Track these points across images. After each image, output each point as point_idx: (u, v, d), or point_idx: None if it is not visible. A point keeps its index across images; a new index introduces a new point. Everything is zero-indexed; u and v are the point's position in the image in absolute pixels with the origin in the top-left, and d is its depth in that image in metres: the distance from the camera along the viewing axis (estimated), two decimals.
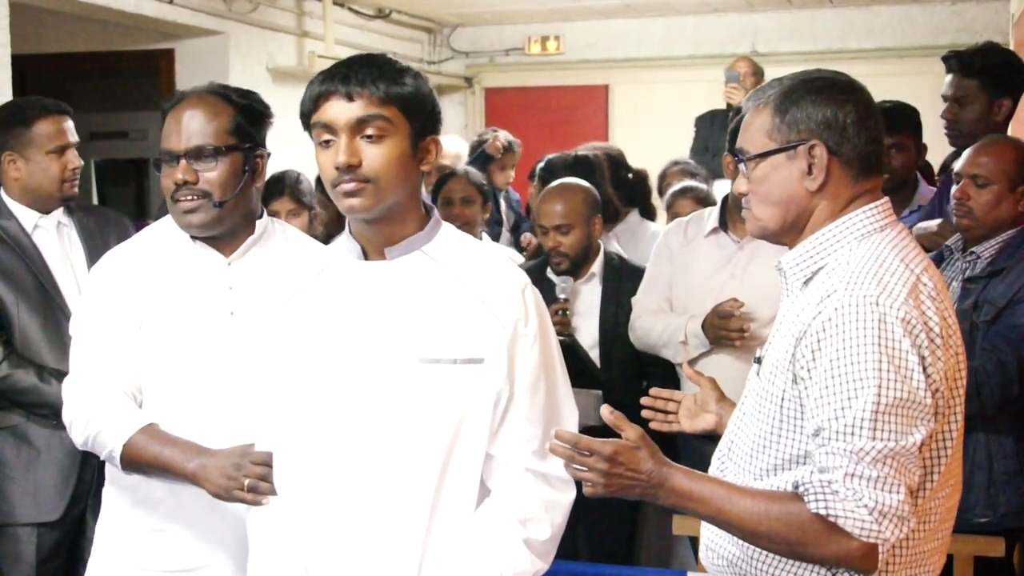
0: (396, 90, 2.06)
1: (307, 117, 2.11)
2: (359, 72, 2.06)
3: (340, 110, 2.06)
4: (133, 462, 2.42)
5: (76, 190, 3.60)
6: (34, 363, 3.36)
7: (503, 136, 6.41)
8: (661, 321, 3.87)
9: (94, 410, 2.47)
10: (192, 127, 2.52)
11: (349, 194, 2.07)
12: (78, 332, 2.60)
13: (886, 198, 2.10)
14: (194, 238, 2.59)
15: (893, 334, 1.89)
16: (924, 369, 1.91)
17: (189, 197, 2.51)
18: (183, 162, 2.50)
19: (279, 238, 2.69)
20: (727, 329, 3.63)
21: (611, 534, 4.11)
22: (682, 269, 3.94)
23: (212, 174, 2.51)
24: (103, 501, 2.68)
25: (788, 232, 2.11)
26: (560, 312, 3.86)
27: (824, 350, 1.93)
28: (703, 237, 3.90)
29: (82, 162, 3.60)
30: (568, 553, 3.92)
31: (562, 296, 3.95)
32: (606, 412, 2.00)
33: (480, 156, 6.37)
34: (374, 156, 2.06)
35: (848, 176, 2.05)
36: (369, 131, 2.06)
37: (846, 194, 2.06)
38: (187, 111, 2.53)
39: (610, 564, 3.90)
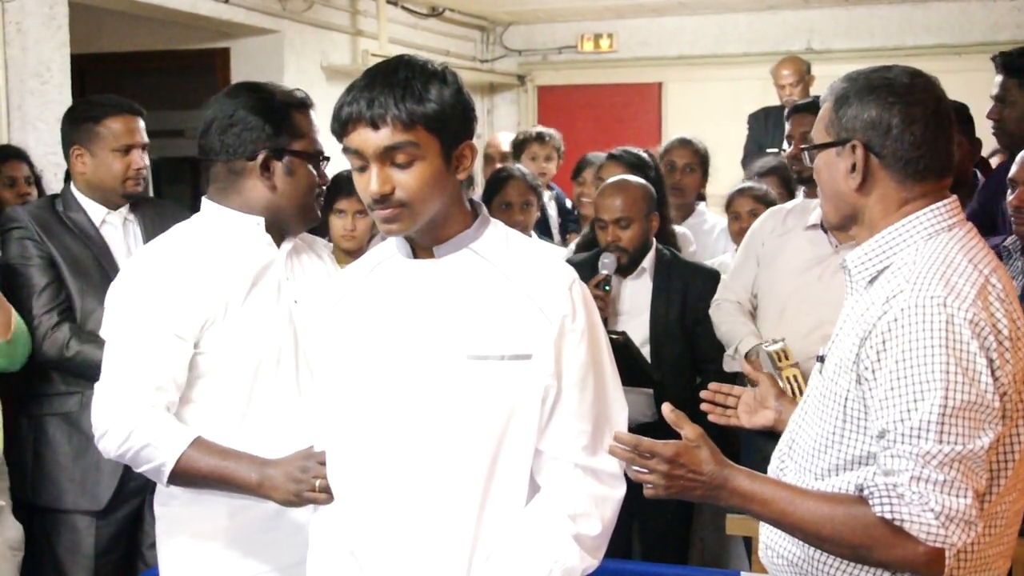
0: (420, 110, 2.01)
1: (337, 138, 2.10)
2: (381, 95, 2.01)
3: (367, 139, 2.03)
4: (186, 475, 2.39)
5: (140, 188, 3.64)
6: (101, 338, 3.38)
7: (549, 133, 6.36)
8: (727, 322, 3.89)
9: (136, 424, 2.41)
10: None
11: (386, 220, 2.07)
12: (115, 337, 2.53)
13: (954, 197, 2.08)
14: (267, 230, 2.60)
15: (961, 336, 1.87)
16: (992, 372, 1.89)
17: (320, 197, 2.68)
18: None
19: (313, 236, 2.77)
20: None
21: (665, 533, 4.09)
22: (770, 256, 3.93)
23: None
24: (158, 523, 2.63)
25: (848, 224, 2.11)
26: (600, 286, 3.84)
27: (890, 351, 1.90)
28: (802, 230, 3.85)
29: (147, 163, 3.63)
30: (622, 551, 3.93)
31: (604, 271, 3.92)
32: (667, 410, 2.00)
33: None
34: (406, 182, 2.04)
35: (892, 179, 2.04)
36: (399, 159, 2.03)
37: (895, 196, 2.04)
38: None
39: (664, 563, 3.89)
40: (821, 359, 2.13)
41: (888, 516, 1.88)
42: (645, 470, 1.97)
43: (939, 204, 2.04)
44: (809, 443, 2.09)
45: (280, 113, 2.56)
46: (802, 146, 2.15)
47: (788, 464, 2.16)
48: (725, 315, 3.94)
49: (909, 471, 1.87)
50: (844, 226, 2.12)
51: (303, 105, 2.61)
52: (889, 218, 2.04)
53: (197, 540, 2.57)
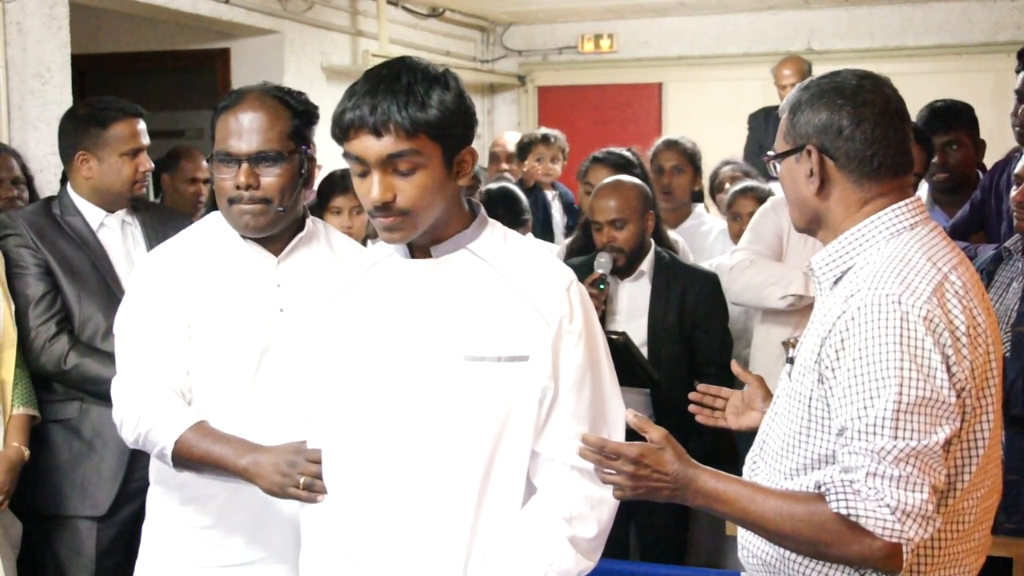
0: (423, 117, 1.99)
1: (338, 142, 2.09)
2: (384, 101, 1.99)
3: (369, 146, 2.01)
4: (184, 459, 2.43)
5: (144, 191, 3.66)
6: (100, 350, 3.40)
7: (555, 134, 6.37)
8: (775, 264, 3.90)
9: (144, 408, 2.48)
10: (254, 130, 2.50)
11: (387, 228, 2.07)
12: (125, 331, 2.60)
13: (916, 196, 2.10)
14: (244, 237, 2.61)
15: (915, 333, 1.89)
16: (948, 368, 1.90)
17: (249, 202, 2.51)
18: (245, 166, 2.49)
19: (323, 237, 2.71)
20: None
21: (663, 533, 4.09)
22: (798, 247, 3.95)
23: (273, 179, 2.51)
24: (148, 501, 2.71)
25: (814, 228, 2.13)
26: (595, 285, 3.81)
27: (847, 349, 1.93)
28: None
29: (152, 165, 3.64)
30: (620, 552, 3.93)
31: (599, 271, 3.89)
32: (630, 416, 2.03)
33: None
34: (408, 190, 2.03)
35: (848, 180, 2.05)
36: (401, 167, 2.02)
37: (854, 197, 2.06)
38: (248, 113, 2.51)
39: (662, 564, 3.89)
40: (791, 361, 2.15)
41: (844, 512, 1.90)
42: (612, 471, 1.99)
43: (900, 204, 2.06)
44: (778, 443, 2.12)
45: (213, 122, 2.58)
46: (764, 155, 2.18)
47: (759, 465, 2.19)
48: (762, 264, 3.93)
49: (865, 467, 1.89)
50: (810, 230, 2.15)
51: (224, 108, 2.56)
52: (851, 220, 2.07)
53: (152, 525, 2.69)
